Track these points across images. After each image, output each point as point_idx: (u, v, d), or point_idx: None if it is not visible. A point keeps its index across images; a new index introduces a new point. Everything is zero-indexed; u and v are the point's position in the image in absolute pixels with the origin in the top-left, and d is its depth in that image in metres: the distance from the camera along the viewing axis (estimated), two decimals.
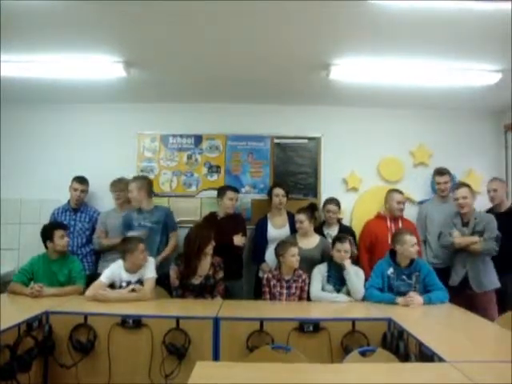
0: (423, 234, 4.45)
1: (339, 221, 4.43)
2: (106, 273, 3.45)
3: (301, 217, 3.93)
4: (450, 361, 2.08)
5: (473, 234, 3.81)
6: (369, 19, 2.88)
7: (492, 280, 3.79)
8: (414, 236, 3.53)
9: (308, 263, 3.69)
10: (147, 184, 4.30)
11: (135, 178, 4.33)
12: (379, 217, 4.45)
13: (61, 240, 3.61)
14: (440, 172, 4.51)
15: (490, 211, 4.15)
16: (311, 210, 4.11)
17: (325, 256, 3.83)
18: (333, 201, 4.37)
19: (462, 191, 3.88)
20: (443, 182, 4.46)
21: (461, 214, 3.92)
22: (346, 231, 4.21)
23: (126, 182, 4.42)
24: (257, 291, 4.07)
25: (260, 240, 4.28)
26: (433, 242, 4.34)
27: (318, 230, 4.29)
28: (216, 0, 2.65)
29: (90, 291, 3.32)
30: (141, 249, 3.45)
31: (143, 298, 3.31)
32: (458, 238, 3.83)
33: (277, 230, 4.26)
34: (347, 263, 3.54)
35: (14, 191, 4.74)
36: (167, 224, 4.21)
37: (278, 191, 4.31)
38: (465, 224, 3.89)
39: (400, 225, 4.29)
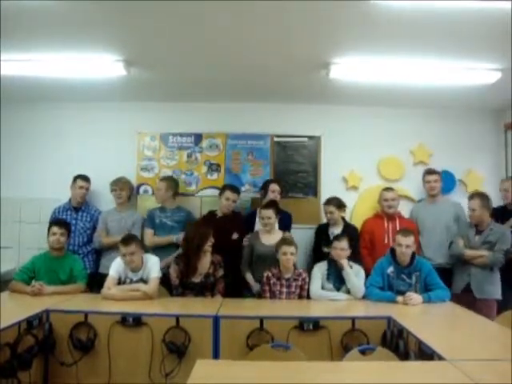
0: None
1: (344, 219, 4.39)
2: (113, 267, 3.47)
3: (269, 213, 3.85)
4: (449, 359, 2.09)
5: (484, 243, 3.80)
6: (368, 18, 2.87)
7: (495, 290, 3.78)
8: (410, 237, 3.49)
9: (272, 259, 3.64)
10: (175, 185, 4.50)
11: (164, 178, 4.53)
12: (377, 216, 4.46)
13: (51, 236, 3.60)
14: (429, 171, 4.51)
15: (501, 209, 4.12)
16: (276, 205, 4.04)
17: None
18: (330, 201, 4.29)
19: (472, 203, 3.88)
20: (433, 180, 4.44)
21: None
22: (350, 230, 4.18)
23: (126, 181, 4.49)
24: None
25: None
26: (425, 244, 4.31)
27: (324, 229, 4.29)
28: (216, 0, 2.65)
29: (107, 289, 3.35)
30: (121, 252, 3.42)
31: (147, 298, 3.31)
32: (469, 250, 3.83)
33: None
34: (344, 263, 3.53)
35: (14, 190, 4.74)
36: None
37: (275, 187, 4.31)
38: (478, 232, 3.88)
39: (397, 224, 4.29)
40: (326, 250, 4.06)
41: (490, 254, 3.73)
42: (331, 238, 4.11)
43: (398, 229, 4.16)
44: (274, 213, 3.88)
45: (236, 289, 3.96)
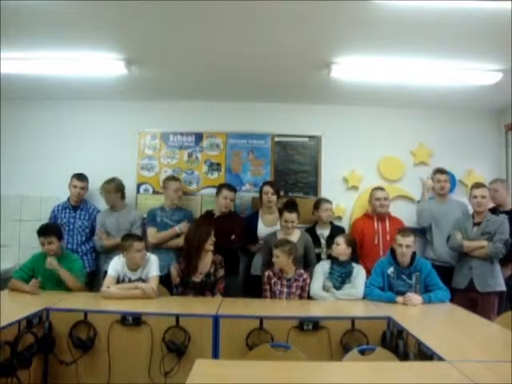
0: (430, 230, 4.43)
1: (331, 221, 4.43)
2: (112, 266, 3.48)
3: (293, 217, 3.87)
4: (449, 360, 2.09)
5: (482, 234, 3.80)
6: (370, 18, 2.87)
7: (497, 282, 3.78)
8: (410, 237, 3.48)
9: None
10: (181, 185, 4.51)
11: (172, 178, 4.49)
12: (367, 216, 4.46)
13: (42, 246, 3.59)
14: (440, 170, 4.51)
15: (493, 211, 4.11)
16: (295, 206, 4.09)
17: (307, 250, 3.89)
18: (327, 200, 4.40)
19: (482, 190, 3.89)
20: (443, 179, 4.45)
21: (474, 214, 3.93)
22: (338, 230, 4.22)
23: (110, 186, 4.37)
24: (248, 286, 4.10)
25: (250, 237, 4.24)
26: (437, 242, 4.31)
27: (311, 230, 4.30)
28: (217, 0, 2.66)
29: (107, 288, 3.35)
30: (135, 248, 3.42)
31: (147, 296, 3.31)
32: (467, 241, 3.83)
33: (267, 228, 4.21)
34: (329, 287, 3.53)
35: (14, 188, 4.74)
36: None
37: (267, 189, 4.28)
38: (476, 224, 3.88)
39: (387, 224, 4.30)
40: (316, 250, 4.10)
41: (490, 245, 3.73)
42: (320, 238, 4.19)
43: (387, 229, 4.21)
44: (297, 217, 3.91)
45: (234, 289, 3.99)
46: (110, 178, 4.41)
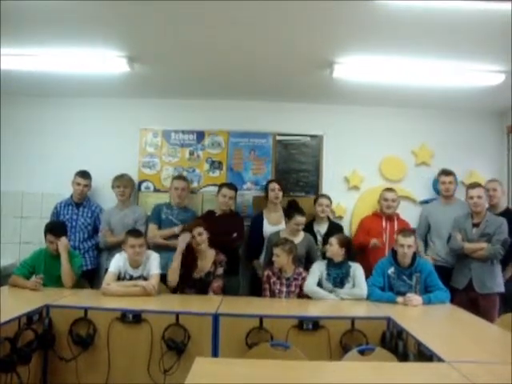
0: (424, 235, 4.44)
1: (329, 218, 4.44)
2: (113, 263, 3.48)
3: (303, 220, 3.95)
4: (448, 361, 2.09)
5: (482, 236, 3.80)
6: (372, 18, 2.87)
7: (496, 283, 3.79)
8: (411, 237, 3.49)
9: None
10: (186, 185, 4.49)
11: (181, 178, 4.50)
12: (375, 215, 4.47)
13: (49, 244, 3.60)
14: (446, 172, 4.50)
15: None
16: (301, 208, 4.14)
17: (309, 251, 3.94)
18: (324, 195, 4.44)
19: (478, 190, 3.90)
20: (448, 181, 4.44)
21: (472, 214, 3.93)
22: (335, 228, 4.24)
23: (129, 178, 4.49)
24: (253, 288, 4.10)
25: (255, 237, 4.27)
26: (437, 244, 4.31)
27: (308, 226, 4.29)
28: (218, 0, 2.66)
29: (107, 285, 3.35)
30: (129, 244, 3.41)
31: (147, 294, 3.31)
32: (468, 244, 3.84)
33: (273, 226, 4.24)
34: (330, 291, 3.51)
35: (15, 184, 4.74)
36: None
37: (274, 185, 4.33)
38: (475, 225, 3.89)
39: (395, 224, 4.30)
40: None
41: (489, 247, 3.73)
42: (317, 235, 4.20)
43: (395, 229, 4.19)
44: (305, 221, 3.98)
45: (234, 288, 3.99)
46: (121, 174, 4.46)
